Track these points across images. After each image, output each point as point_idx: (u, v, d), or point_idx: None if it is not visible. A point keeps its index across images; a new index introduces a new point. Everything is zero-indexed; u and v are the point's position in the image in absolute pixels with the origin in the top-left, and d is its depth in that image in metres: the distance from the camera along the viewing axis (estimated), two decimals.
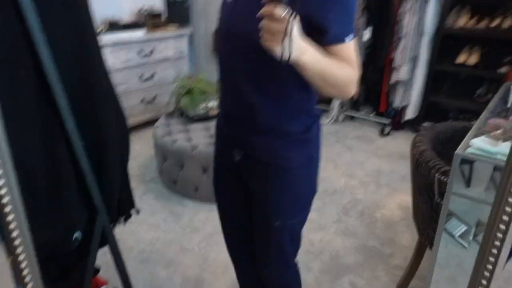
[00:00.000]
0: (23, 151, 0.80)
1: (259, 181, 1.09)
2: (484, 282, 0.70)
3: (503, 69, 3.06)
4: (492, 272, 0.68)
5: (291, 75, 0.90)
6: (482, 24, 3.12)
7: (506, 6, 3.12)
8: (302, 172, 1.08)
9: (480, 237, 1.51)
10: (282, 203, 1.10)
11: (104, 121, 0.98)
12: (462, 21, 3.22)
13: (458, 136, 1.90)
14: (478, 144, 1.26)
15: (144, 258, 2.02)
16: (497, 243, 0.65)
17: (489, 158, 1.21)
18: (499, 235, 0.65)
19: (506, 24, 3.02)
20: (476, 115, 3.32)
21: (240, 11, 0.93)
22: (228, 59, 1.01)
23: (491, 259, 0.67)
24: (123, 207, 1.13)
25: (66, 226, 0.94)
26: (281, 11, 0.69)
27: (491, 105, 1.70)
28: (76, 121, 0.90)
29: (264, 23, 0.72)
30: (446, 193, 1.31)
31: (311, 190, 1.16)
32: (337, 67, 0.87)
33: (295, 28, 0.71)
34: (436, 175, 1.48)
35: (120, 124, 1.11)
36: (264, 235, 1.18)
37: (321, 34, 0.85)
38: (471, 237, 1.52)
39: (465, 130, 1.91)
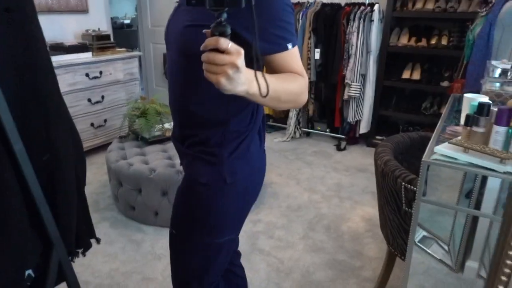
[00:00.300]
0: None
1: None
2: None
3: (445, 83, 3.28)
4: None
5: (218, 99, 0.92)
6: (422, 43, 3.34)
7: (439, 28, 3.38)
8: (202, 190, 1.02)
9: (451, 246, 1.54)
10: (179, 212, 1.10)
11: (57, 142, 0.87)
12: (403, 40, 3.42)
13: (416, 145, 1.98)
14: (443, 151, 1.29)
15: None
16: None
17: (455, 164, 1.25)
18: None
19: (443, 43, 3.26)
20: (424, 126, 3.54)
21: (179, 17, 0.95)
22: (168, 63, 1.02)
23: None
24: (81, 237, 1.01)
25: (15, 264, 0.81)
26: (226, 43, 0.65)
27: (444, 114, 1.78)
28: (25, 143, 0.79)
29: (208, 56, 0.67)
30: (415, 201, 1.33)
31: (220, 215, 1.05)
32: (287, 82, 0.86)
33: (241, 59, 0.67)
34: (403, 183, 1.50)
35: (75, 145, 1.01)
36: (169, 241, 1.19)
37: (262, 46, 0.83)
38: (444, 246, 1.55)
39: (422, 139, 1.99)
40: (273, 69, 0.89)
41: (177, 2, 1.00)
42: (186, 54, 0.92)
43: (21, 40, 0.75)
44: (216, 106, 0.95)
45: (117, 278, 1.95)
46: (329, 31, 3.50)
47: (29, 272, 0.86)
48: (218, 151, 0.99)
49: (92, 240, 1.15)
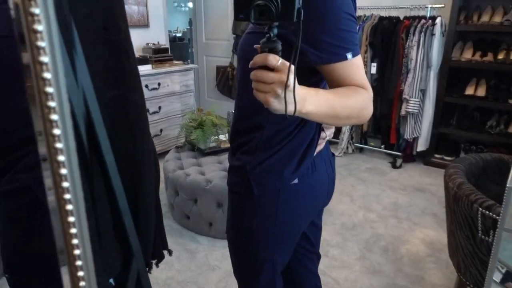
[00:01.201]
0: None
1: None
2: None
3: None
4: None
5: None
6: (488, 58, 3.16)
7: (508, 42, 3.18)
8: (234, 197, 1.02)
9: None
10: (230, 219, 1.07)
11: (142, 155, 0.90)
12: (467, 55, 3.26)
13: (490, 168, 1.85)
14: None
15: None
16: None
17: None
18: None
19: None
20: (487, 146, 3.33)
21: (240, 45, 0.94)
22: None
23: None
24: (156, 248, 1.03)
25: (101, 271, 0.84)
26: (275, 60, 0.62)
27: None
28: (114, 155, 0.81)
29: (256, 74, 0.64)
30: (497, 230, 1.23)
31: (249, 228, 0.99)
32: (346, 97, 0.79)
33: (291, 77, 0.62)
34: (480, 209, 1.40)
35: (154, 159, 1.04)
36: None
37: (311, 55, 0.79)
38: None
39: (497, 162, 1.86)
40: (333, 81, 0.82)
41: None
42: (243, 61, 0.91)
43: (115, 55, 0.78)
44: (255, 110, 0.91)
45: (173, 286, 1.98)
46: (387, 45, 3.41)
47: (110, 280, 0.88)
48: (247, 158, 0.94)
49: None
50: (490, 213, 1.37)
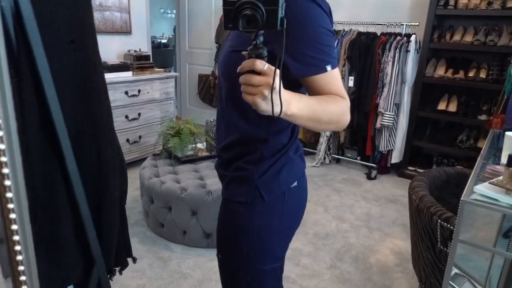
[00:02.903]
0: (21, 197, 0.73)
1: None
2: None
3: (482, 117, 3.19)
4: None
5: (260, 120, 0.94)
6: (459, 76, 3.29)
7: (478, 61, 3.33)
8: (240, 209, 1.02)
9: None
10: (222, 235, 1.09)
11: (106, 162, 0.92)
12: (440, 72, 3.38)
13: (453, 181, 1.93)
14: (483, 191, 1.26)
15: None
16: None
17: (496, 205, 1.21)
18: None
19: (481, 76, 3.19)
20: (458, 160, 3.45)
21: (224, 46, 0.99)
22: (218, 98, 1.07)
23: None
24: (120, 255, 1.05)
25: (61, 278, 0.85)
26: (262, 65, 0.68)
27: (483, 151, 1.74)
28: (77, 162, 0.84)
29: (245, 78, 0.70)
30: (452, 241, 1.29)
31: (258, 235, 1.03)
32: (326, 103, 0.85)
33: (277, 80, 0.69)
34: (439, 221, 1.46)
35: (121, 167, 1.06)
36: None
37: (294, 67, 0.85)
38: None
39: (459, 176, 1.94)
40: (313, 91, 0.88)
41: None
42: (229, 78, 0.95)
43: (82, 68, 0.81)
44: (256, 125, 0.97)
45: None
46: (364, 60, 3.51)
47: (70, 287, 0.89)
48: (255, 168, 0.99)
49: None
50: (448, 225, 1.44)
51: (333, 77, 0.88)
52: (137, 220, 2.70)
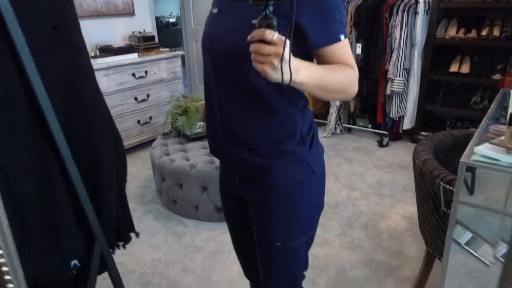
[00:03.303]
0: (15, 178, 0.77)
1: (257, 202, 1.05)
2: None
3: (496, 76, 3.09)
4: None
5: (275, 89, 0.91)
6: (471, 35, 3.17)
7: (491, 18, 3.18)
8: (299, 190, 1.02)
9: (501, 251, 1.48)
10: (282, 224, 1.05)
11: (99, 143, 0.95)
12: (451, 32, 3.26)
13: (460, 144, 1.90)
14: (483, 151, 1.24)
15: (146, 281, 1.97)
16: None
17: (497, 165, 1.19)
18: None
19: (495, 34, 3.07)
20: (473, 122, 3.37)
21: (224, 21, 0.93)
22: (211, 73, 0.99)
23: None
24: (122, 231, 1.09)
25: (63, 255, 0.90)
26: (271, 34, 0.69)
27: (490, 112, 1.70)
28: (69, 144, 0.87)
29: (255, 47, 0.71)
30: (453, 202, 1.29)
31: (314, 208, 1.08)
32: (335, 72, 0.86)
33: (287, 49, 0.70)
34: (441, 184, 1.46)
35: (116, 146, 1.09)
36: (266, 256, 1.12)
37: (314, 38, 0.85)
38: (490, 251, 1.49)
39: (466, 138, 1.90)
40: (324, 63, 0.89)
41: (212, 10, 0.99)
42: (238, 55, 0.88)
43: (66, 52, 0.83)
44: (288, 104, 0.95)
45: (159, 267, 2.06)
46: (371, 25, 3.41)
47: (74, 262, 0.95)
48: (301, 147, 0.99)
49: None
50: (451, 187, 1.43)
51: (345, 46, 0.89)
52: (151, 198, 2.78)
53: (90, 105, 0.91)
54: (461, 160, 1.25)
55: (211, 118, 1.04)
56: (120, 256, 2.14)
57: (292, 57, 0.73)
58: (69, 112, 0.86)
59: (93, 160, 0.93)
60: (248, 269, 1.32)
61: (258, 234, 1.11)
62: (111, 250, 1.03)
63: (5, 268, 0.52)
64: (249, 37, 0.71)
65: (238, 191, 1.10)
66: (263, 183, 1.01)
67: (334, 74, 0.86)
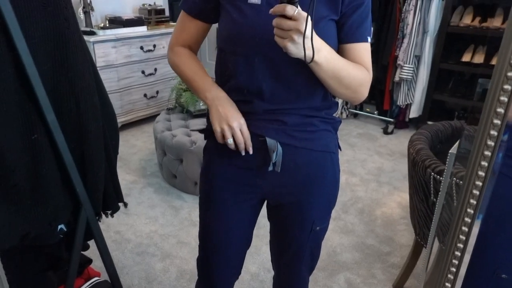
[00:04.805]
0: (3, 145, 0.80)
1: (300, 179, 0.99)
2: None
3: None
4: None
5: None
6: (486, 24, 3.07)
7: (503, 6, 3.08)
8: (336, 160, 1.02)
9: None
10: (324, 200, 1.03)
11: (86, 114, 0.96)
12: (466, 20, 3.17)
13: (458, 135, 1.88)
14: None
15: (141, 251, 2.03)
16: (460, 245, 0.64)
17: None
18: (462, 237, 0.64)
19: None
20: None
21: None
22: (261, 68, 0.89)
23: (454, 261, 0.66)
24: (110, 200, 1.13)
25: (49, 219, 0.94)
26: (292, 10, 0.70)
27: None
28: (56, 113, 0.90)
29: (276, 21, 0.73)
30: (440, 192, 1.29)
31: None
32: (353, 67, 0.87)
33: (309, 26, 0.71)
34: (432, 174, 1.46)
35: (107, 118, 1.11)
36: (299, 242, 1.06)
37: (348, 31, 0.87)
38: None
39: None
40: (347, 58, 0.89)
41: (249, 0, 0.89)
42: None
43: (54, 23, 0.84)
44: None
45: (155, 239, 2.13)
46: (384, 9, 3.34)
47: (61, 226, 0.99)
48: (335, 120, 1.00)
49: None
50: (441, 178, 1.43)
51: (368, 49, 0.91)
52: (153, 171, 2.83)
53: (78, 75, 0.92)
54: (450, 151, 1.24)
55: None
56: (117, 226, 2.22)
57: (315, 36, 0.74)
58: (56, 82, 0.89)
59: (80, 129, 0.96)
60: (232, 270, 1.17)
61: (295, 219, 1.04)
62: (97, 218, 1.07)
63: None
64: (271, 11, 0.72)
65: (264, 179, 0.98)
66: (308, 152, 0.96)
67: (352, 69, 0.86)
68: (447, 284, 0.69)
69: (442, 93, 3.43)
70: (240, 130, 0.88)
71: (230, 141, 0.88)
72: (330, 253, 2.02)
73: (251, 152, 0.91)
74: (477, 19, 3.16)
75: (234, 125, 0.87)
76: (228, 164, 0.98)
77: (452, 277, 0.68)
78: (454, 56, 3.29)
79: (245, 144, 0.90)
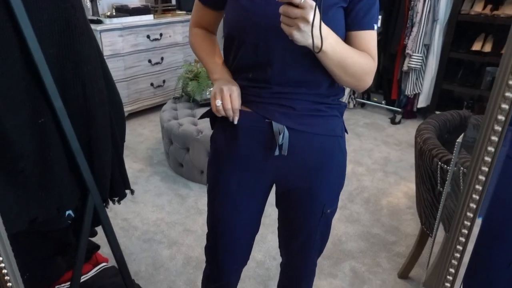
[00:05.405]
0: (11, 131, 0.81)
1: (313, 159, 0.98)
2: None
3: None
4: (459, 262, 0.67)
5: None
6: (497, 12, 3.01)
7: None
8: (343, 143, 1.03)
9: None
10: (333, 183, 1.04)
11: (93, 99, 0.96)
12: (477, 8, 3.11)
13: (466, 124, 1.86)
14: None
15: (148, 238, 2.06)
16: (465, 231, 0.64)
17: None
18: (466, 222, 0.64)
19: None
20: None
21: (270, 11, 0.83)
22: (271, 56, 0.88)
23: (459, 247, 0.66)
24: (117, 187, 1.14)
25: (57, 205, 0.95)
26: None
27: None
28: (63, 98, 0.90)
29: (283, 9, 0.72)
30: (446, 182, 1.29)
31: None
32: (359, 55, 0.87)
33: (317, 16, 0.71)
34: (439, 163, 1.45)
35: (114, 106, 1.11)
36: (309, 226, 1.07)
37: (355, 18, 0.87)
38: None
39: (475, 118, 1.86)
40: (350, 46, 0.88)
41: None
42: None
43: (60, 10, 0.84)
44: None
45: (162, 226, 2.15)
46: None
47: (69, 212, 1.00)
48: (341, 105, 1.01)
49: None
50: (448, 167, 1.42)
51: (374, 36, 0.90)
52: (160, 160, 2.85)
53: (84, 62, 0.92)
54: (457, 140, 1.23)
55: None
56: (125, 213, 2.24)
57: (322, 24, 0.74)
58: (63, 69, 0.89)
59: (86, 112, 0.96)
60: (241, 257, 1.17)
61: (305, 204, 1.04)
62: (104, 204, 1.08)
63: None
64: None
65: (271, 165, 0.98)
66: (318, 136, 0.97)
67: (358, 57, 0.86)
68: (451, 269, 0.69)
69: (451, 82, 3.39)
70: (230, 96, 0.90)
71: (218, 102, 0.90)
72: (336, 242, 2.03)
73: (235, 122, 0.92)
74: (489, 6, 3.10)
75: (224, 89, 0.89)
76: (236, 152, 0.99)
77: (456, 263, 0.68)
78: (464, 45, 3.24)
79: (233, 111, 0.90)
